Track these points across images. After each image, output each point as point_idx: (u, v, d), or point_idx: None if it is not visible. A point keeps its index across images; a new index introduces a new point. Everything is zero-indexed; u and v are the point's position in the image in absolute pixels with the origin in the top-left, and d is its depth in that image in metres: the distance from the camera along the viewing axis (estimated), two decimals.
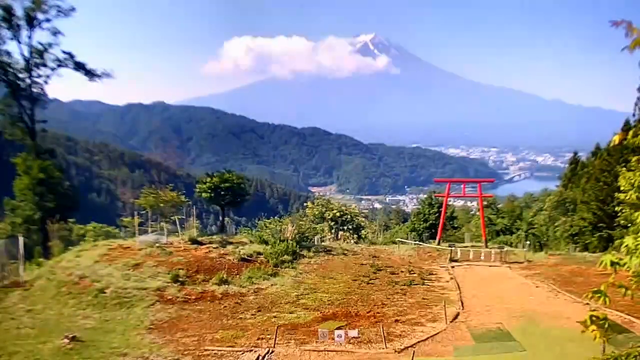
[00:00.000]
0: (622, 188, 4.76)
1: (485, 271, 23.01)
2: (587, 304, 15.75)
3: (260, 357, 11.91)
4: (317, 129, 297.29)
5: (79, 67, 31.66)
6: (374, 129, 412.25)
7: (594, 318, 4.14)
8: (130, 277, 18.24)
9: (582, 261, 24.49)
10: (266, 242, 25.34)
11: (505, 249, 27.18)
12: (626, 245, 4.17)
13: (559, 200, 43.77)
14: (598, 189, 37.29)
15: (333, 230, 35.32)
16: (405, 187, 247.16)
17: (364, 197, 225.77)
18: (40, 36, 30.54)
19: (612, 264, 4.16)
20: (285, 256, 23.54)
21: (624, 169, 4.70)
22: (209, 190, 29.48)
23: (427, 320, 15.08)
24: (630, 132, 3.96)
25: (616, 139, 4.07)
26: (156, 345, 12.75)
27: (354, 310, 16.09)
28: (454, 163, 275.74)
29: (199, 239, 24.76)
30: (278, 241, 25.69)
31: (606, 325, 4.10)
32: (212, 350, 12.45)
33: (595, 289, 4.10)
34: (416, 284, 19.90)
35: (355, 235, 36.10)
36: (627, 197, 4.68)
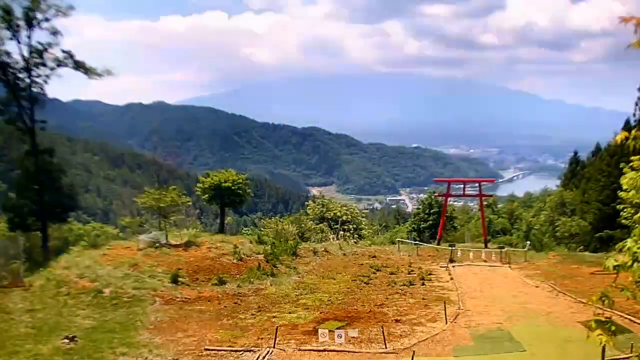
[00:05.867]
0: (624, 187, 4.72)
1: (485, 271, 22.98)
2: (588, 303, 15.73)
3: (261, 357, 11.89)
4: (317, 128, 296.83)
5: (79, 66, 31.58)
6: (374, 129, 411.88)
7: (598, 322, 4.11)
8: (130, 277, 18.24)
9: (582, 261, 24.46)
10: (266, 242, 25.35)
11: (506, 249, 27.13)
12: (628, 248, 4.14)
13: (559, 201, 43.71)
14: (598, 190, 37.27)
15: (333, 230, 35.28)
16: (399, 188, 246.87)
17: (364, 197, 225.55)
18: (40, 36, 30.36)
19: (615, 267, 4.14)
20: (285, 256, 23.55)
21: (628, 167, 4.66)
22: (209, 190, 29.50)
23: (427, 320, 15.07)
24: (633, 133, 3.92)
25: (619, 138, 4.04)
26: (156, 345, 12.73)
27: (354, 310, 16.07)
28: (454, 163, 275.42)
29: (199, 239, 24.77)
30: (278, 241, 25.71)
31: (613, 328, 4.07)
32: (212, 350, 12.44)
33: (600, 294, 4.07)
34: (416, 284, 19.87)
35: (355, 235, 36.06)
36: (630, 197, 4.65)
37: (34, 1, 29.12)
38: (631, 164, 4.60)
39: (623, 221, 19.40)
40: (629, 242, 4.20)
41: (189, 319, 15.15)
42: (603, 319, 4.12)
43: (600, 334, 4.08)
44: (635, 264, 4.17)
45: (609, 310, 4.56)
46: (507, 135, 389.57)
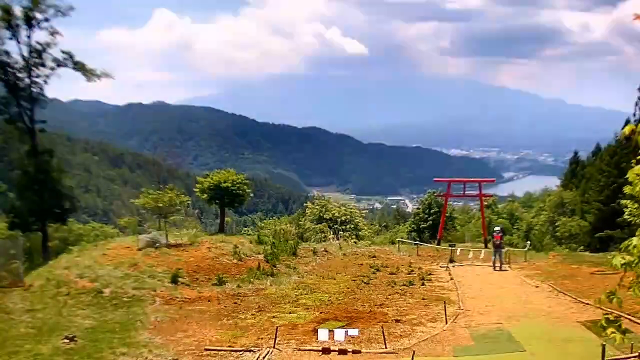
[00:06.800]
0: (630, 179, 4.61)
1: (485, 271, 22.99)
2: (588, 304, 15.75)
3: (261, 357, 11.89)
4: (317, 128, 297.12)
5: (78, 67, 31.62)
6: (374, 129, 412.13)
7: (609, 321, 4.08)
8: (130, 277, 18.23)
9: (582, 261, 24.46)
10: (266, 242, 25.36)
11: (506, 249, 27.13)
12: (634, 246, 4.10)
13: (559, 201, 43.77)
14: (598, 190, 37.33)
15: (333, 230, 35.30)
16: (399, 188, 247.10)
17: (364, 197, 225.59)
18: (39, 36, 30.43)
19: (623, 265, 4.10)
20: (285, 256, 23.56)
21: (634, 161, 4.53)
22: (209, 190, 29.50)
23: (427, 320, 15.06)
24: (639, 127, 3.88)
25: (627, 130, 3.98)
26: (156, 345, 12.73)
27: (354, 310, 16.07)
28: (454, 163, 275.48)
29: (199, 239, 24.78)
30: (278, 241, 25.73)
31: (623, 327, 4.05)
32: (212, 350, 12.43)
33: (609, 292, 4.05)
34: (416, 284, 19.87)
35: (355, 235, 36.08)
36: (637, 191, 4.58)
37: (33, 1, 29.16)
38: (638, 157, 4.50)
39: (626, 217, 19.20)
40: (634, 240, 4.16)
41: (189, 319, 15.15)
42: (613, 318, 4.10)
43: (614, 332, 4.06)
44: None
45: (609, 310, 4.53)
46: (507, 135, 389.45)
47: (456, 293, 18.44)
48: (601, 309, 4.64)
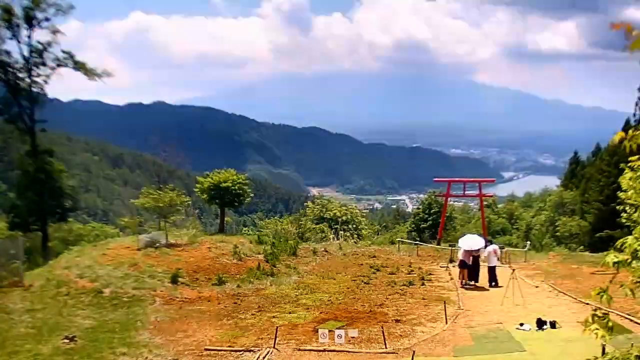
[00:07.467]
0: (623, 187, 4.70)
1: (485, 271, 22.94)
2: (588, 304, 15.74)
3: (261, 357, 11.90)
4: (317, 128, 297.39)
5: (79, 66, 31.60)
6: (374, 128, 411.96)
7: (596, 317, 4.08)
8: (130, 277, 18.25)
9: (582, 261, 24.45)
10: (266, 242, 25.36)
11: (505, 249, 27.12)
12: (629, 245, 4.12)
13: (559, 201, 43.77)
14: (598, 190, 37.34)
15: (333, 230, 35.30)
16: (399, 189, 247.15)
17: (364, 197, 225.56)
18: (40, 35, 30.43)
19: (615, 263, 4.12)
20: (285, 256, 23.57)
21: (627, 167, 4.61)
22: (209, 190, 29.50)
23: (427, 320, 15.06)
24: (630, 133, 3.90)
25: (616, 138, 4.01)
26: (156, 345, 12.74)
27: (354, 310, 16.07)
28: (454, 163, 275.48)
29: (199, 238, 24.78)
30: (278, 241, 25.73)
31: (610, 324, 4.04)
32: (212, 350, 12.44)
33: (598, 289, 4.05)
34: (416, 284, 19.87)
35: (355, 235, 36.07)
36: (629, 196, 4.63)
37: (34, 0, 29.16)
38: (630, 164, 4.55)
39: (623, 221, 19.28)
40: (629, 239, 4.18)
41: (189, 319, 15.16)
42: (600, 314, 4.11)
43: (597, 328, 4.05)
44: (635, 262, 4.16)
45: (609, 310, 4.53)
46: (507, 135, 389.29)
47: (456, 293, 18.45)
48: (600, 308, 4.68)
